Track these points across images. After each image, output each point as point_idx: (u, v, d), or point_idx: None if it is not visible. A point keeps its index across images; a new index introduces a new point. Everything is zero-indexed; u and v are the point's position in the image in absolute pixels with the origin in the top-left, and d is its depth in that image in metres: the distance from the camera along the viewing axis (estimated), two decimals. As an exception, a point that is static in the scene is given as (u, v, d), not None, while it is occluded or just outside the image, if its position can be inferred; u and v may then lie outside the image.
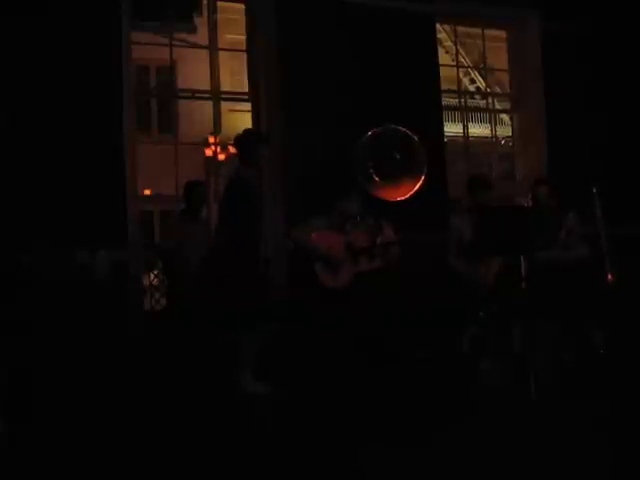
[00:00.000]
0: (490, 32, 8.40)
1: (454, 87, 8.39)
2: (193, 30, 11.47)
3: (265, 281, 4.80)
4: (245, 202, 4.61)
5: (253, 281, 4.58)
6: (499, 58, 8.81)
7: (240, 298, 4.51)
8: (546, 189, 5.38)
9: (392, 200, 4.95)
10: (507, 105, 8.66)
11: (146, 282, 6.52)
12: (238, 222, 4.60)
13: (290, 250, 5.79)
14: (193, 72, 8.87)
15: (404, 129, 4.98)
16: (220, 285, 4.58)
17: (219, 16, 7.39)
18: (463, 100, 8.48)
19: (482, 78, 11.15)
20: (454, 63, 8.72)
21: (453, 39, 8.61)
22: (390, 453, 3.31)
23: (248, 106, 7.02)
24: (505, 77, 8.74)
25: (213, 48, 7.33)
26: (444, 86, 7.66)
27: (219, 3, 7.35)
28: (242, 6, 7.16)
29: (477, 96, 11.15)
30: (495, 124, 8.66)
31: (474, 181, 5.62)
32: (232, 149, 9.99)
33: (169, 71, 8.46)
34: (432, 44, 7.38)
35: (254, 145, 4.75)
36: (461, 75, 9.11)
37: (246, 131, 5.00)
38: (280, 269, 6.07)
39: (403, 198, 4.92)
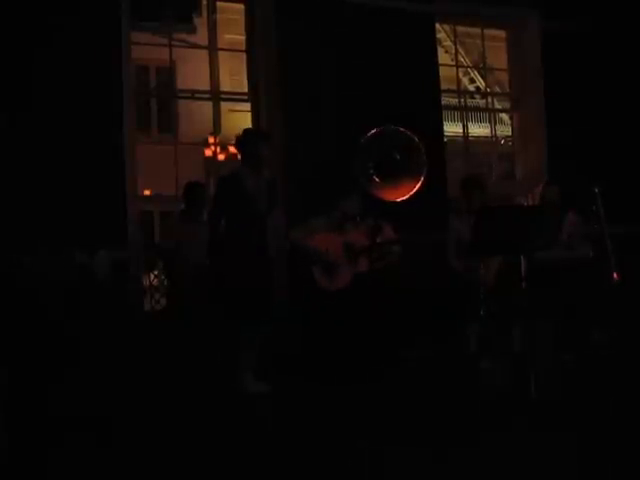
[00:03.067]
0: (490, 32, 8.40)
1: (454, 87, 8.38)
2: (193, 30, 11.45)
3: (266, 280, 4.78)
4: (230, 200, 4.62)
5: (251, 280, 4.56)
6: (499, 58, 8.81)
7: (240, 297, 4.50)
8: (557, 190, 5.40)
9: (392, 200, 4.95)
10: (507, 105, 8.65)
11: (146, 282, 6.52)
12: (227, 220, 4.63)
13: (289, 251, 5.79)
14: (193, 72, 8.86)
15: (404, 129, 4.98)
16: (219, 284, 4.58)
17: (219, 16, 7.39)
18: (463, 100, 8.48)
19: (482, 78, 11.15)
20: (454, 63, 8.71)
21: (453, 39, 8.61)
22: (390, 453, 3.31)
23: (248, 106, 7.02)
24: (505, 77, 8.73)
25: (213, 48, 7.34)
26: (444, 86, 7.66)
27: (219, 3, 7.35)
28: (242, 6, 7.16)
29: (477, 96, 11.14)
30: (495, 124, 8.65)
31: (467, 182, 5.62)
32: (233, 149, 9.99)
33: (169, 71, 8.45)
34: (432, 44, 7.38)
35: (256, 144, 4.73)
36: (461, 75, 9.10)
37: (246, 131, 4.99)
38: (280, 269, 6.06)
39: (403, 198, 4.92)
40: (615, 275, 4.38)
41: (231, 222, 4.68)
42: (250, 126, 6.75)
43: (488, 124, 8.86)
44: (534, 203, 5.72)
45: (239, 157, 4.93)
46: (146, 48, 7.45)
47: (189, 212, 5.72)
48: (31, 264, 5.16)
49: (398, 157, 4.87)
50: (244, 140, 4.79)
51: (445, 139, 7.55)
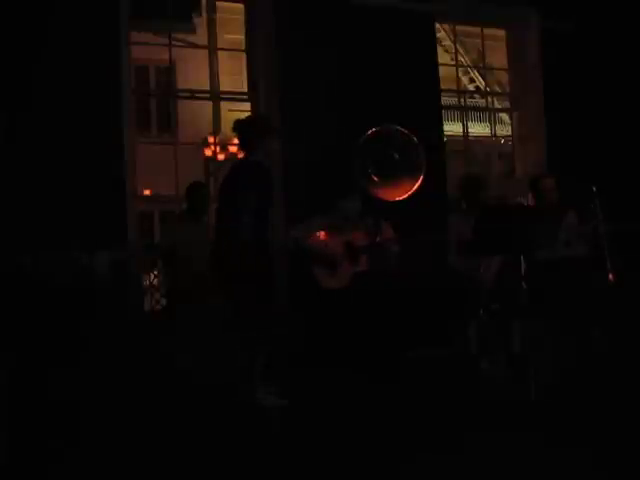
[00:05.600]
0: (489, 31, 8.39)
1: (453, 86, 8.37)
2: (192, 30, 11.43)
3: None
4: (262, 186, 4.28)
5: (270, 278, 4.40)
6: (498, 57, 8.80)
7: (262, 298, 4.31)
8: (552, 182, 5.36)
9: (391, 200, 4.96)
10: (506, 104, 8.65)
11: (146, 282, 6.52)
12: (254, 208, 4.23)
13: (290, 250, 5.78)
14: (192, 72, 8.86)
15: (403, 129, 4.98)
16: (238, 282, 4.29)
17: (218, 16, 7.38)
18: (462, 99, 8.47)
19: (481, 77, 11.15)
20: (453, 62, 8.71)
21: (452, 38, 8.60)
22: (389, 452, 3.31)
23: (247, 106, 7.02)
24: (504, 76, 8.73)
25: (212, 48, 7.33)
26: (443, 85, 7.65)
27: (218, 3, 7.34)
28: (241, 6, 7.15)
29: (476, 95, 11.14)
30: (494, 123, 8.65)
31: (468, 181, 5.62)
32: (232, 149, 9.99)
33: (168, 71, 8.45)
34: (431, 43, 7.38)
35: (260, 137, 4.43)
36: (460, 74, 9.10)
37: (250, 119, 4.73)
38: (281, 269, 6.06)
39: (402, 198, 4.93)
40: (611, 276, 4.39)
41: (262, 214, 4.28)
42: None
43: (488, 123, 8.86)
44: (534, 202, 5.70)
45: (243, 143, 4.50)
46: (146, 48, 7.43)
47: (191, 212, 5.73)
48: (31, 264, 5.16)
49: (397, 156, 4.87)
50: (247, 129, 4.45)
51: (445, 139, 7.55)
